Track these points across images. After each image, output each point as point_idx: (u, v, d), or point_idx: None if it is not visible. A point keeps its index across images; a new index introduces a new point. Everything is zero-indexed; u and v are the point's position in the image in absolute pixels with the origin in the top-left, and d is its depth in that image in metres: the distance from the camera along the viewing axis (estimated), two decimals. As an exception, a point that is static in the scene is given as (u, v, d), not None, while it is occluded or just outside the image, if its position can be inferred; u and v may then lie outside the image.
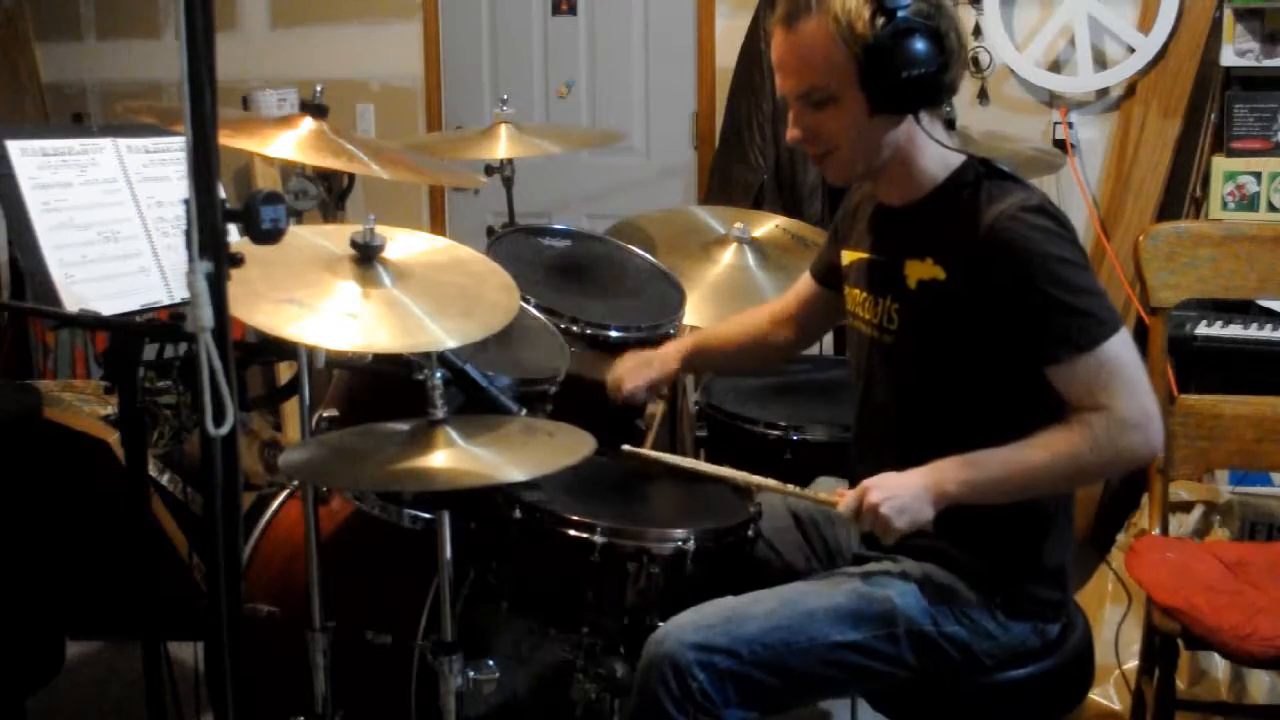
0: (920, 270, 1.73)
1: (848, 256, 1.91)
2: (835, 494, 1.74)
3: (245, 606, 2.13)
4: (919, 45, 1.61)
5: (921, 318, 1.74)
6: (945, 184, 1.74)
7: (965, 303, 1.68)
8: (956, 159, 1.75)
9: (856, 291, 1.87)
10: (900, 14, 1.61)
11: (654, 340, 2.40)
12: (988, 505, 1.69)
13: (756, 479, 1.86)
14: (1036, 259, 1.62)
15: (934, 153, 1.74)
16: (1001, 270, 1.64)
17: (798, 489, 1.81)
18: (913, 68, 1.61)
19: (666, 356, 2.16)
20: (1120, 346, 1.63)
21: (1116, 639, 2.52)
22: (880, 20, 1.61)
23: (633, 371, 2.14)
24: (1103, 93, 3.65)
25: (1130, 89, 3.58)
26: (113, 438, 2.74)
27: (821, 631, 1.69)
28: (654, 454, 2.00)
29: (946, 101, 1.77)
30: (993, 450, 1.65)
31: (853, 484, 1.92)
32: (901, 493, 1.64)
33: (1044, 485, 1.67)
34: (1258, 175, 3.19)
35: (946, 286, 1.70)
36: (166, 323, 1.97)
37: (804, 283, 2.12)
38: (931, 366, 1.74)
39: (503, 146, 2.80)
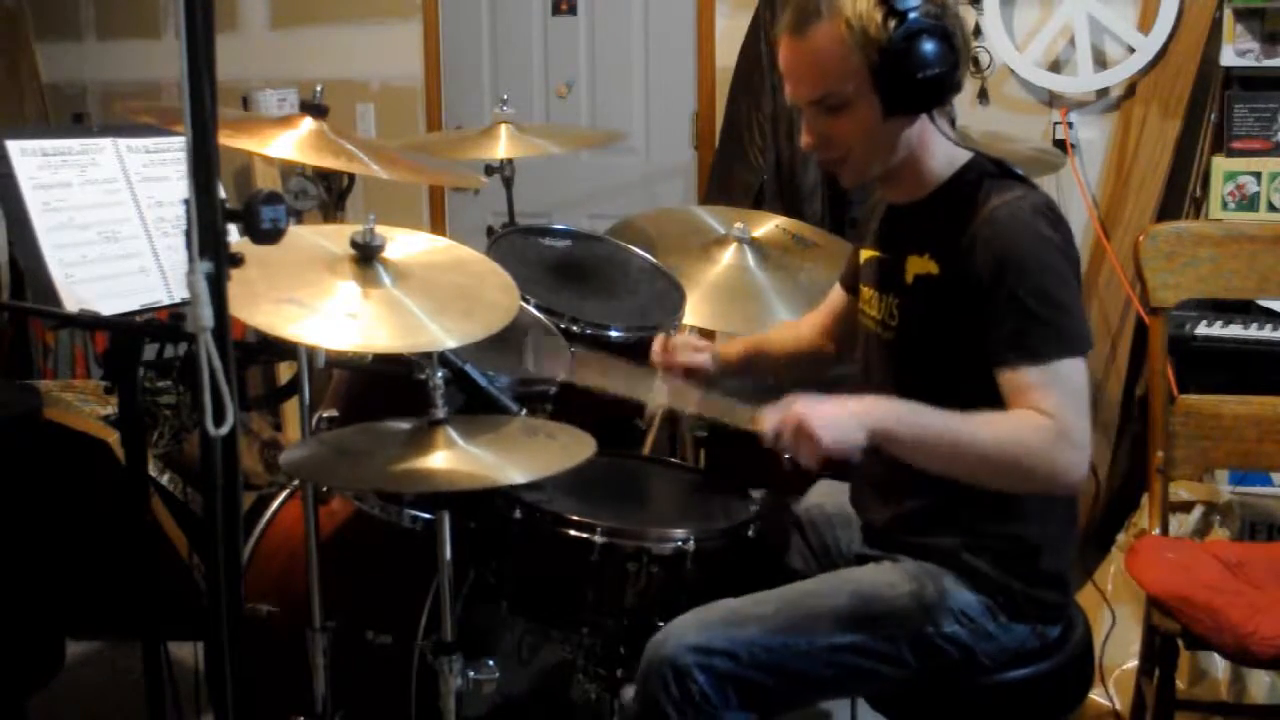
0: (918, 265, 1.73)
1: (863, 255, 1.91)
2: (756, 416, 1.64)
3: (245, 606, 2.13)
4: (931, 46, 1.61)
5: (918, 313, 1.75)
6: (949, 181, 1.75)
7: (955, 296, 1.68)
8: (963, 157, 1.76)
9: (866, 290, 1.88)
10: (912, 15, 1.61)
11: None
12: (988, 506, 1.70)
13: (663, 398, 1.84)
14: (1014, 257, 1.61)
15: (942, 151, 1.74)
16: (981, 261, 1.63)
17: (714, 413, 1.74)
18: (927, 68, 1.61)
19: (721, 355, 2.05)
20: (1073, 371, 1.59)
21: (1115, 639, 2.52)
22: (892, 23, 1.61)
23: (684, 348, 2.03)
24: (1103, 93, 3.65)
25: (1130, 89, 3.58)
26: (113, 438, 2.74)
27: (821, 633, 1.69)
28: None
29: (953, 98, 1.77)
30: (941, 410, 1.59)
31: (852, 485, 1.93)
32: (831, 411, 1.56)
33: (977, 465, 1.59)
34: (1258, 175, 3.19)
35: (940, 280, 1.70)
36: (166, 323, 1.97)
37: (834, 292, 2.09)
38: (929, 361, 1.74)
39: (503, 146, 2.80)
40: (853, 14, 1.62)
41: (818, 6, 1.65)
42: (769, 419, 1.59)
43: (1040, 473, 1.57)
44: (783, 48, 1.71)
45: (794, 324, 2.18)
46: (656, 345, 2.04)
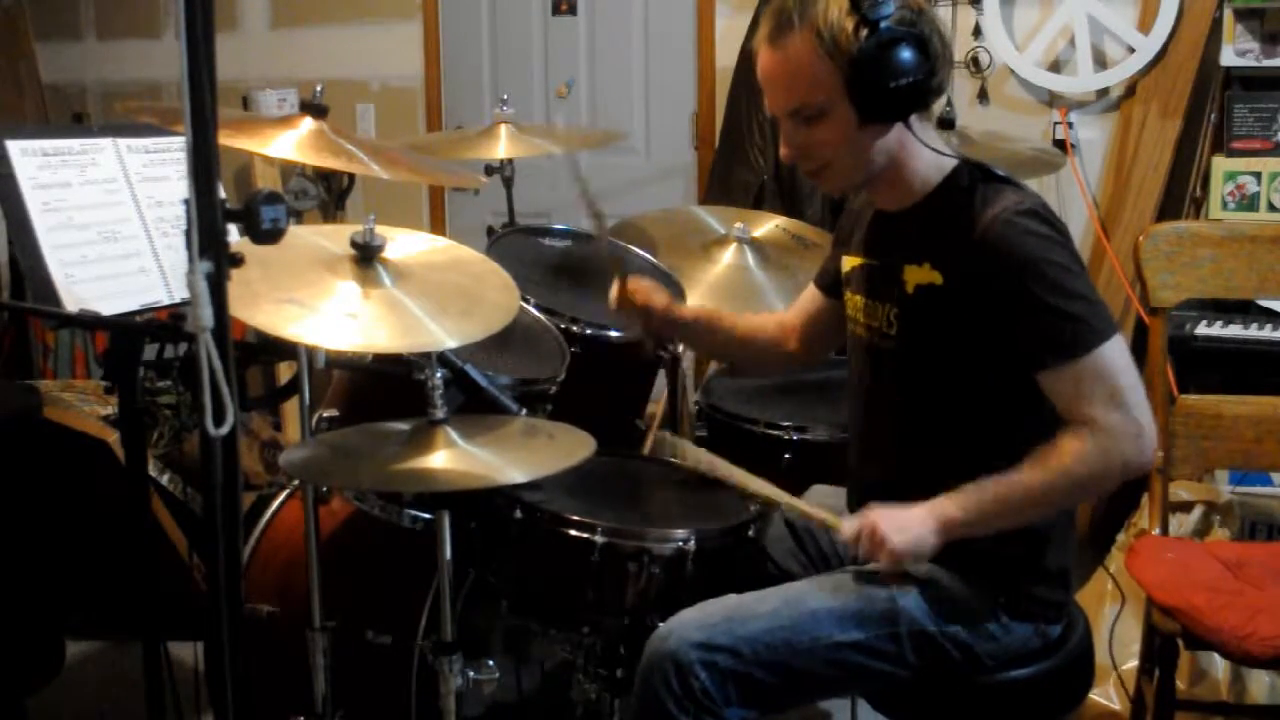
0: (918, 275, 1.73)
1: (847, 262, 1.91)
2: (840, 518, 1.75)
3: (245, 606, 2.13)
4: (904, 54, 1.61)
5: (920, 322, 1.75)
6: (940, 188, 1.75)
7: (963, 307, 1.68)
8: (949, 163, 1.76)
9: (856, 297, 1.87)
10: (883, 24, 1.61)
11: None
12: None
13: (769, 491, 1.85)
14: (1029, 263, 1.62)
15: (927, 157, 1.74)
16: (995, 274, 1.64)
17: (805, 507, 1.81)
18: (899, 77, 1.62)
19: (675, 308, 2.09)
20: (1113, 354, 1.63)
21: (1115, 639, 2.52)
22: (864, 32, 1.61)
23: (650, 291, 2.07)
24: (1103, 93, 3.65)
25: (1130, 89, 3.58)
26: (113, 438, 2.74)
27: (824, 631, 1.69)
28: (681, 444, 1.99)
29: (936, 102, 1.77)
30: (988, 479, 1.65)
31: (851, 489, 1.93)
32: (906, 520, 1.65)
33: (1044, 505, 1.67)
34: (1258, 175, 3.19)
35: (944, 291, 1.70)
36: (166, 323, 1.97)
37: (808, 294, 2.10)
38: (931, 370, 1.74)
39: (503, 146, 2.80)
40: (824, 24, 1.63)
41: (791, 17, 1.65)
42: (849, 525, 1.69)
43: (1108, 478, 1.65)
44: (760, 58, 1.72)
45: (760, 315, 2.18)
46: (613, 291, 2.06)
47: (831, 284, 2.02)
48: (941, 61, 1.67)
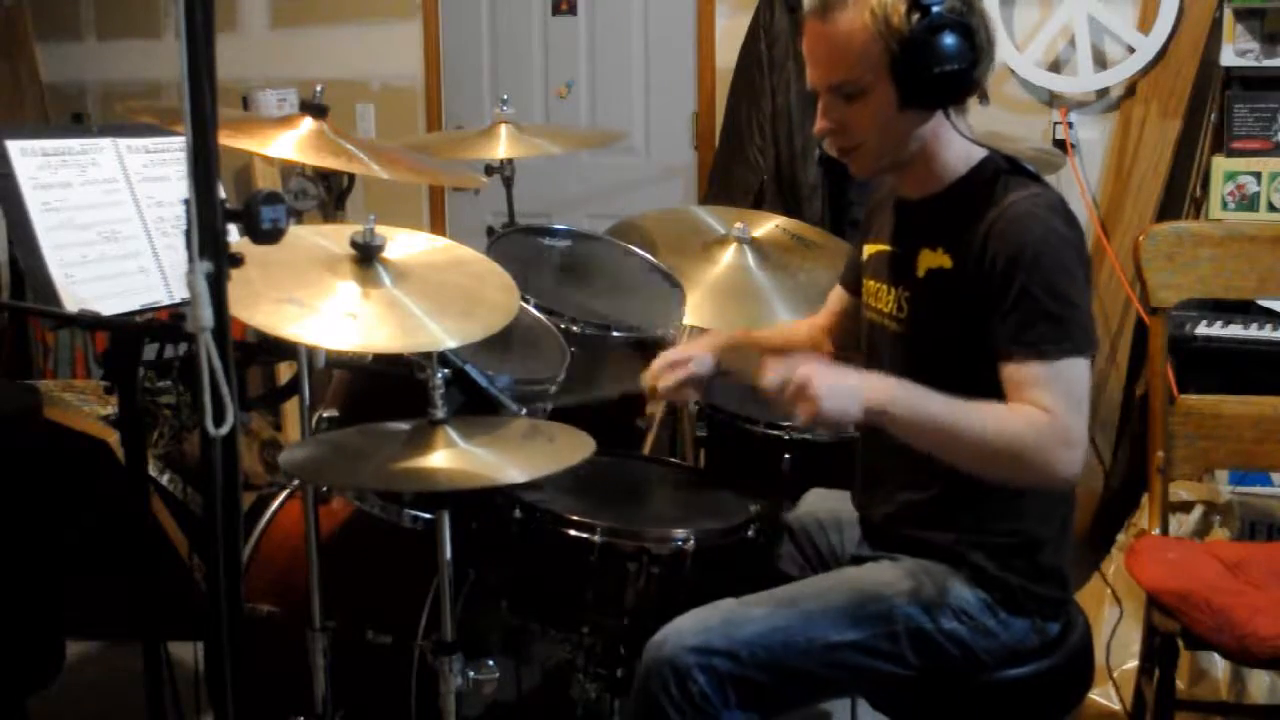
0: (931, 259, 1.73)
1: (868, 250, 1.91)
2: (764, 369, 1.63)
3: (245, 606, 2.13)
4: (952, 41, 1.62)
5: (928, 306, 1.75)
6: (965, 177, 1.75)
7: (967, 291, 1.68)
8: (979, 154, 1.76)
9: (872, 282, 1.88)
10: (935, 9, 1.61)
11: (654, 340, 2.41)
12: (986, 502, 1.70)
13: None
14: (1029, 253, 1.62)
15: (958, 148, 1.74)
16: (996, 255, 1.64)
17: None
18: (945, 63, 1.62)
19: (700, 354, 2.01)
20: (1077, 371, 1.60)
21: (1115, 639, 2.52)
22: (915, 15, 1.61)
23: (665, 373, 2.00)
24: (1103, 93, 3.65)
25: (1130, 89, 3.58)
26: (113, 438, 2.74)
27: (820, 632, 1.69)
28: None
29: (973, 96, 1.76)
30: (944, 396, 1.59)
31: (856, 482, 1.93)
32: (838, 382, 1.57)
33: (973, 453, 1.60)
34: (1258, 175, 3.19)
35: (952, 275, 1.70)
36: (166, 323, 1.97)
37: (835, 295, 2.08)
38: (937, 355, 1.74)
39: (503, 146, 2.80)
40: (878, 3, 1.63)
41: None
42: (774, 371, 1.59)
43: (1034, 467, 1.58)
44: (806, 31, 1.71)
45: (788, 323, 2.18)
46: (647, 391, 2.01)
47: (855, 281, 2.00)
48: (985, 54, 1.67)
